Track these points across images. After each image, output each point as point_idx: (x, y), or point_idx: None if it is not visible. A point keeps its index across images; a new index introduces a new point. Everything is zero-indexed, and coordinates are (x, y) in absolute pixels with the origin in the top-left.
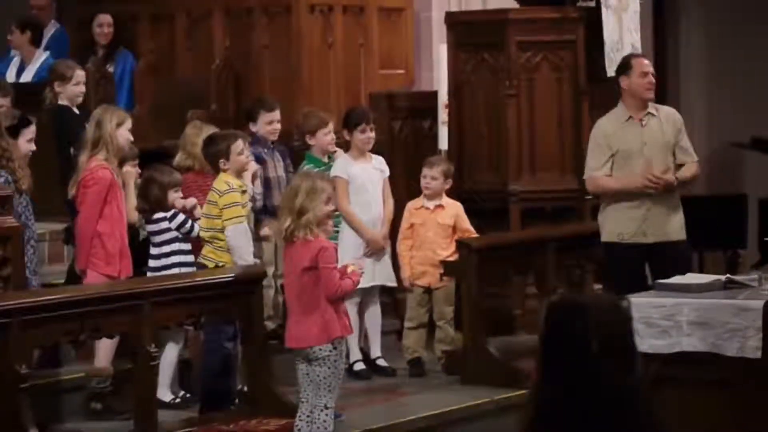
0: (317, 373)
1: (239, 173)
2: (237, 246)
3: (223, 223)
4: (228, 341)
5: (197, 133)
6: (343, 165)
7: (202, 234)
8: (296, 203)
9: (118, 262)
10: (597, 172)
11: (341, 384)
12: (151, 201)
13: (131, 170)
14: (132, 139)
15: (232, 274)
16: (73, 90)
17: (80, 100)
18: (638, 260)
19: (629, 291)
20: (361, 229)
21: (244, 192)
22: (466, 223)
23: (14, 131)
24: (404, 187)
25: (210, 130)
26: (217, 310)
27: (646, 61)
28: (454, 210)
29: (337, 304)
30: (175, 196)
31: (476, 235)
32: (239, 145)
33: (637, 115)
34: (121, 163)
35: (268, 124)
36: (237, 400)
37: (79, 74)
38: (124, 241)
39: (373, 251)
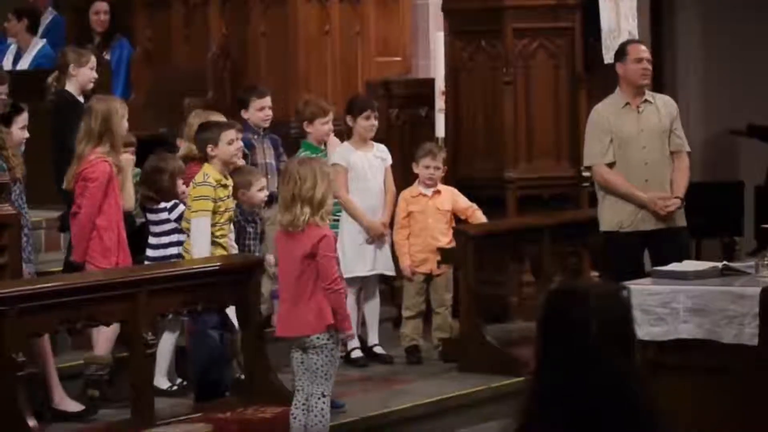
0: (314, 361)
1: (226, 164)
2: (196, 238)
3: (189, 214)
4: (212, 329)
5: (201, 121)
6: (343, 153)
7: (183, 225)
8: (317, 193)
9: (116, 254)
10: (602, 160)
11: (338, 371)
12: (161, 190)
13: (129, 157)
14: (127, 126)
15: (229, 263)
16: (87, 75)
17: (92, 85)
18: (638, 248)
19: (628, 279)
20: (360, 216)
21: (224, 186)
22: (466, 202)
23: (6, 119)
24: (401, 174)
25: (213, 117)
26: (213, 298)
27: (642, 47)
28: (450, 195)
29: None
30: (178, 183)
31: (479, 210)
32: (230, 134)
33: (633, 102)
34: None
35: (260, 110)
36: (230, 388)
37: (93, 59)
38: (121, 233)
39: (373, 239)
